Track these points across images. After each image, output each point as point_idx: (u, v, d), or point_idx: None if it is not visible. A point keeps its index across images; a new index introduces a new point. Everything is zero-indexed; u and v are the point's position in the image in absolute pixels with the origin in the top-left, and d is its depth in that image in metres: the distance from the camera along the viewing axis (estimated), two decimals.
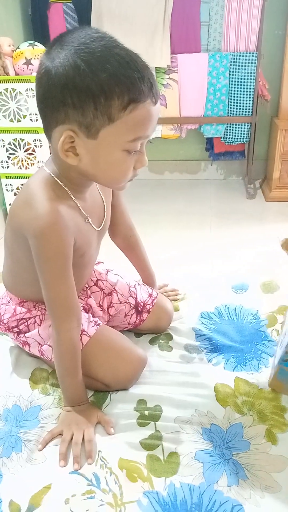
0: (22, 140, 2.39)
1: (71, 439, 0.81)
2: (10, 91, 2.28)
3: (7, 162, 2.47)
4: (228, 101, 2.89)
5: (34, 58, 2.34)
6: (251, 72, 2.77)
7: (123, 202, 1.06)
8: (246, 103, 2.86)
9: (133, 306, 1.07)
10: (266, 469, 0.76)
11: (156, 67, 2.79)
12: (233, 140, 3.00)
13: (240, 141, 2.99)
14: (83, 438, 0.81)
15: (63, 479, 0.75)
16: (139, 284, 1.12)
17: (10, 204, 2.58)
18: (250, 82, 2.79)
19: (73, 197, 0.83)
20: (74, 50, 0.68)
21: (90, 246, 0.91)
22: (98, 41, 0.68)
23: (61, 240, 0.78)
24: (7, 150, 2.43)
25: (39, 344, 0.95)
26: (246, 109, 2.87)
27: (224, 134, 3.00)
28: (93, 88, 0.67)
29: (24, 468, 0.77)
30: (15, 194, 2.54)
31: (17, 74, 2.40)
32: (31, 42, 2.41)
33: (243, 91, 2.83)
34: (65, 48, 0.69)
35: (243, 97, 2.84)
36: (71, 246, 0.81)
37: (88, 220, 0.88)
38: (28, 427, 0.85)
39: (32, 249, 0.79)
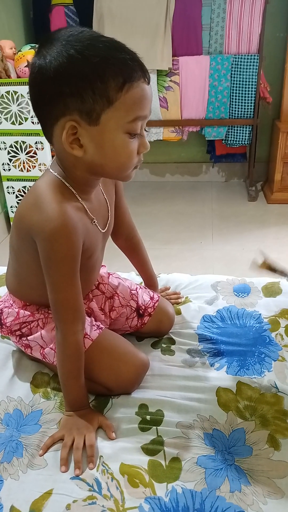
0: (23, 142, 2.39)
1: (72, 444, 0.80)
2: (11, 94, 2.29)
3: (8, 164, 2.47)
4: (230, 104, 2.89)
5: None
6: (252, 75, 2.77)
7: (125, 203, 1.06)
8: (248, 106, 2.85)
9: (134, 309, 1.07)
10: (269, 475, 0.75)
11: (157, 70, 2.80)
12: (234, 142, 2.99)
13: (242, 143, 2.99)
14: (84, 443, 0.80)
15: (64, 484, 0.74)
16: (140, 287, 1.12)
17: (12, 207, 2.58)
18: (252, 84, 2.79)
19: (79, 199, 0.83)
20: (65, 42, 0.70)
21: (96, 248, 0.91)
22: (85, 33, 0.72)
23: (72, 242, 0.78)
24: (8, 153, 2.44)
25: (41, 347, 0.95)
26: (247, 111, 2.87)
27: (226, 137, 3.00)
28: (88, 73, 0.70)
29: (25, 473, 0.77)
30: (17, 197, 2.54)
31: (18, 76, 2.41)
32: (32, 45, 2.42)
33: (245, 94, 2.83)
34: (55, 44, 0.71)
35: (245, 100, 2.84)
36: (80, 248, 0.81)
37: (94, 221, 0.88)
38: (29, 432, 0.85)
39: (41, 252, 0.79)
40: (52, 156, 2.42)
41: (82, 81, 0.70)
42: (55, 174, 0.82)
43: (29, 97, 2.27)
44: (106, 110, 0.72)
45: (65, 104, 0.71)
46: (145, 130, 0.79)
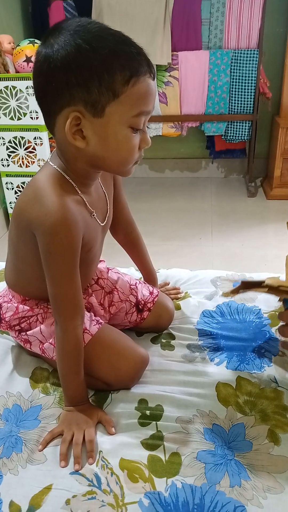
0: (22, 138, 2.38)
1: (72, 439, 0.80)
2: (10, 89, 2.27)
3: (7, 160, 2.46)
4: (229, 99, 2.88)
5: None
6: (252, 70, 2.76)
7: (124, 198, 1.06)
8: (247, 101, 2.85)
9: (134, 304, 1.07)
10: (269, 469, 0.75)
11: (157, 65, 2.79)
12: (234, 138, 2.99)
13: (241, 139, 2.98)
14: (84, 438, 0.80)
15: (64, 479, 0.74)
16: (140, 282, 1.12)
17: (10, 203, 2.58)
18: (251, 79, 2.78)
19: (79, 192, 0.83)
20: (73, 32, 0.70)
21: (96, 242, 0.91)
22: (93, 24, 0.72)
23: (72, 236, 0.78)
24: (7, 148, 2.43)
25: (41, 342, 0.95)
26: (247, 107, 2.86)
27: (225, 132, 2.99)
28: (95, 64, 0.69)
29: (24, 468, 0.76)
30: (16, 193, 2.54)
31: (17, 71, 2.40)
32: (31, 39, 2.40)
33: (244, 89, 2.82)
34: (63, 33, 0.70)
35: (244, 95, 2.83)
36: (80, 242, 0.81)
37: (93, 215, 0.87)
38: (29, 427, 0.85)
39: (41, 246, 0.79)
40: (51, 152, 2.41)
41: (89, 72, 0.69)
42: (55, 166, 0.82)
43: (27, 92, 2.27)
44: (111, 103, 0.71)
45: (70, 94, 0.71)
46: (146, 126, 0.79)
